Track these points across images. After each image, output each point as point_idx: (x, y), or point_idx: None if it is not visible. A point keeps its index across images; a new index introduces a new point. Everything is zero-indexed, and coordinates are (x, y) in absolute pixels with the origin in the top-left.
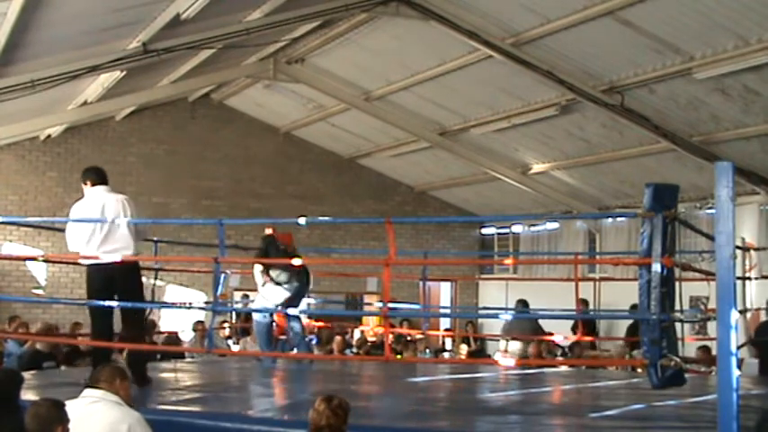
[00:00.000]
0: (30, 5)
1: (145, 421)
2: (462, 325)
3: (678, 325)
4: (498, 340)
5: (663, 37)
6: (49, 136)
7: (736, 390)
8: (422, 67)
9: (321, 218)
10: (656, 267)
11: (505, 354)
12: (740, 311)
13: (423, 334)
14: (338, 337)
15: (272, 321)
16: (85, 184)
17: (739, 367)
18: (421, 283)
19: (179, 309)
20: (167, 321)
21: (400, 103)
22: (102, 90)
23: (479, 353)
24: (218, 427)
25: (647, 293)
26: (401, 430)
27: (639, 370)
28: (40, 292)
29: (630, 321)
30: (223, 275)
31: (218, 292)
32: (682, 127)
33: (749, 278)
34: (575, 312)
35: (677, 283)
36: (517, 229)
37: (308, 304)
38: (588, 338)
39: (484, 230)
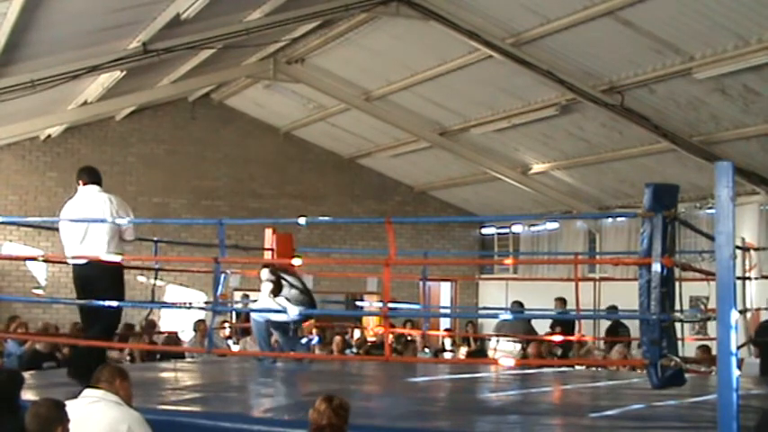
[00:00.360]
0: (30, 5)
1: (145, 421)
2: (462, 325)
3: (678, 325)
4: (498, 340)
5: (663, 37)
6: (49, 136)
7: (736, 390)
8: (422, 67)
9: (321, 218)
10: (656, 267)
11: (496, 352)
12: (740, 311)
13: (423, 334)
14: (338, 337)
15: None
16: (78, 183)
17: (739, 367)
18: (421, 283)
19: (179, 309)
20: (167, 321)
21: (400, 103)
22: (102, 90)
23: (479, 353)
24: (218, 427)
25: (647, 293)
26: (401, 430)
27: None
28: (40, 292)
29: (611, 322)
30: (223, 275)
31: (218, 292)
32: (682, 127)
33: (749, 278)
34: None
35: (677, 283)
36: (517, 229)
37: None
38: (588, 338)
39: (484, 230)
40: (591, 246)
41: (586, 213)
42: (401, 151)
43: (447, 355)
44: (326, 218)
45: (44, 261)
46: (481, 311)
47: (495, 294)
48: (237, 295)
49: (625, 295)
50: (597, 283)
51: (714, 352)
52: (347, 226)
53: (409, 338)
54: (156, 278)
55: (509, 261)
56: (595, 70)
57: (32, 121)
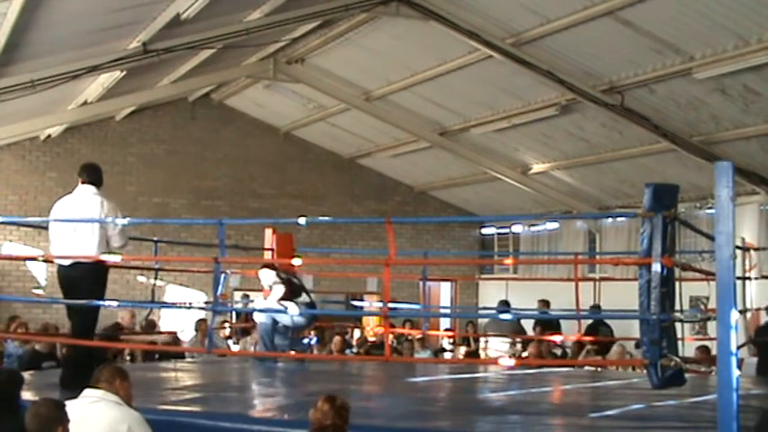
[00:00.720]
0: (30, 5)
1: (145, 421)
2: (462, 325)
3: (678, 325)
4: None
5: (663, 37)
6: (49, 136)
7: (736, 390)
8: (422, 67)
9: (321, 218)
10: (656, 267)
11: (486, 351)
12: (740, 311)
13: (423, 334)
14: (337, 337)
15: (276, 322)
16: (78, 180)
17: (739, 367)
18: (421, 283)
19: (179, 309)
20: (167, 321)
21: (400, 103)
22: (102, 90)
23: (476, 353)
24: (218, 427)
25: (647, 293)
26: (401, 430)
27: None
28: (40, 292)
29: (590, 321)
30: (223, 275)
31: (218, 292)
32: (682, 127)
33: (749, 278)
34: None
35: (677, 283)
36: (517, 229)
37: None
38: (588, 338)
39: (484, 230)
40: (591, 246)
41: (586, 213)
42: (401, 151)
43: (446, 355)
44: (326, 218)
45: (44, 261)
46: (481, 311)
47: (495, 294)
48: (237, 295)
49: (625, 295)
50: (597, 283)
51: (714, 352)
52: (347, 226)
53: (409, 338)
54: (156, 278)
55: (509, 261)
56: (595, 70)
57: (32, 121)
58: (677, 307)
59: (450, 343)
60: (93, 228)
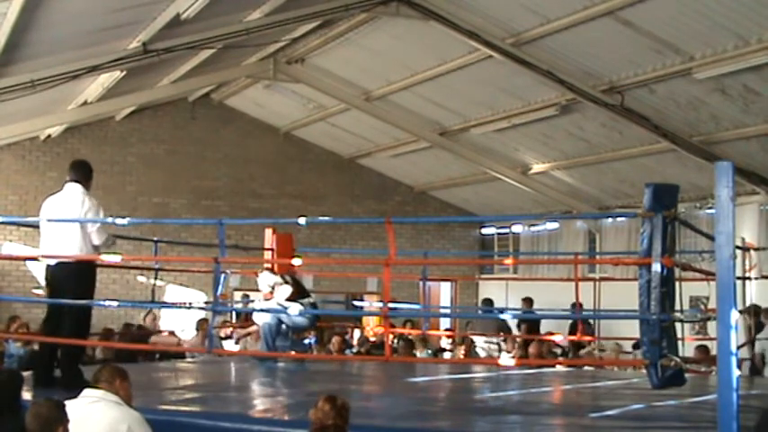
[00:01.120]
0: (30, 5)
1: (145, 421)
2: (462, 325)
3: (678, 325)
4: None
5: (663, 37)
6: (49, 136)
7: (737, 390)
8: (422, 67)
9: (321, 218)
10: (656, 267)
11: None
12: (740, 311)
13: (423, 334)
14: (337, 338)
15: (281, 322)
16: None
17: (739, 367)
18: (421, 283)
19: (179, 309)
20: (167, 321)
21: (400, 103)
22: (102, 90)
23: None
24: (218, 427)
25: (647, 293)
26: (401, 430)
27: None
28: (40, 291)
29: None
30: (223, 275)
31: (218, 292)
32: (682, 127)
33: (749, 278)
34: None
35: (677, 283)
36: (517, 229)
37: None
38: (588, 338)
39: (484, 230)
40: (591, 246)
41: (586, 213)
42: (401, 151)
43: (446, 355)
44: (326, 218)
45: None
46: (481, 311)
47: (495, 294)
48: (237, 295)
49: (625, 295)
50: (597, 283)
51: (714, 352)
52: (347, 226)
53: (408, 337)
54: (156, 278)
55: (509, 261)
56: (595, 70)
57: (32, 121)
58: (677, 307)
59: (449, 343)
60: (75, 226)
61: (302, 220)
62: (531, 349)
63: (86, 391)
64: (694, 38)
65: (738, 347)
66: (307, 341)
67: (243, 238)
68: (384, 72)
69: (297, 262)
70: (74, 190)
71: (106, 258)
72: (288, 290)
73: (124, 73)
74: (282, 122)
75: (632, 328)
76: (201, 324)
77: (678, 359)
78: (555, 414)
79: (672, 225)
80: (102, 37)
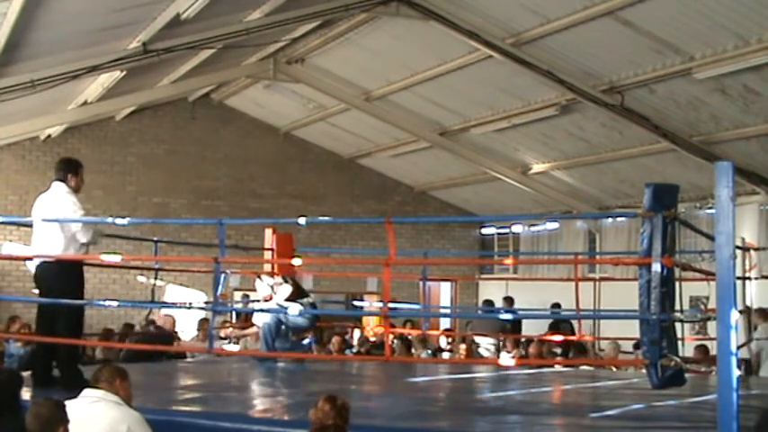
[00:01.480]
0: (30, 5)
1: (145, 421)
2: (462, 325)
3: (678, 325)
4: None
5: (663, 37)
6: (49, 136)
7: (737, 390)
8: (422, 67)
9: (321, 218)
10: (656, 267)
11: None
12: (740, 311)
13: (422, 334)
14: (337, 338)
15: (281, 322)
16: None
17: (739, 367)
18: (421, 283)
19: (179, 309)
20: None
21: (400, 103)
22: (102, 90)
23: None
24: (218, 427)
25: (647, 293)
26: (401, 430)
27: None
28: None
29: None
30: (223, 275)
31: (218, 292)
32: (682, 127)
33: (749, 278)
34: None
35: (677, 283)
36: (517, 229)
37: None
38: (588, 338)
39: (484, 230)
40: (591, 246)
41: (586, 213)
42: (401, 151)
43: (445, 355)
44: (326, 218)
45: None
46: (481, 311)
47: (495, 294)
48: (237, 295)
49: (625, 295)
50: (597, 283)
51: (713, 352)
52: (347, 226)
53: (408, 337)
54: (156, 278)
55: (509, 261)
56: (595, 70)
57: (32, 121)
58: (677, 307)
59: (447, 342)
60: (57, 225)
61: (302, 220)
62: (531, 349)
63: (86, 392)
64: (694, 38)
65: (738, 347)
66: (306, 341)
67: (243, 238)
68: (384, 72)
69: (297, 262)
70: (56, 189)
71: (106, 258)
72: (288, 289)
73: (124, 73)
74: (282, 122)
75: (632, 328)
76: (202, 324)
77: (678, 359)
78: (555, 414)
79: (672, 225)
80: (102, 37)
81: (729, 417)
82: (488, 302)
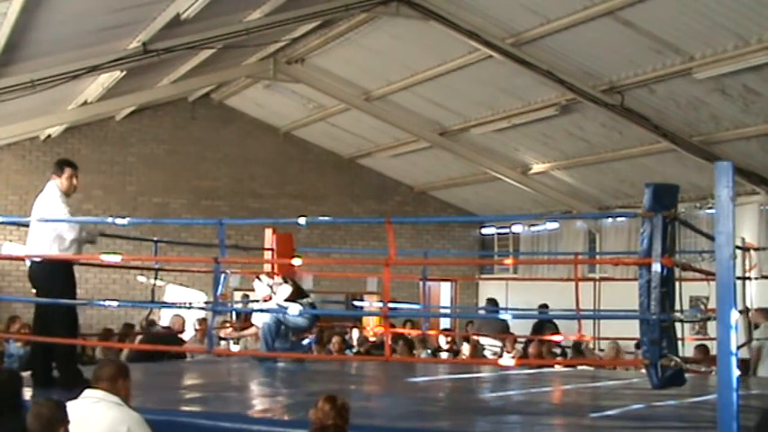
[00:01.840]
0: (30, 5)
1: (145, 422)
2: (462, 325)
3: (678, 325)
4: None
5: (663, 37)
6: (49, 136)
7: (737, 390)
8: (422, 67)
9: (321, 218)
10: (656, 267)
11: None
12: (740, 311)
13: (422, 334)
14: (337, 337)
15: (280, 322)
16: None
17: (739, 367)
18: (421, 283)
19: (179, 309)
20: (167, 321)
21: (400, 103)
22: (102, 90)
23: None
24: (218, 427)
25: (647, 293)
26: (401, 430)
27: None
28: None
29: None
30: (223, 275)
31: (218, 292)
32: (682, 127)
33: (749, 278)
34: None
35: (677, 283)
36: (517, 229)
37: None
38: (589, 338)
39: (484, 230)
40: (591, 246)
41: (586, 213)
42: (401, 151)
43: (444, 355)
44: (326, 218)
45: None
46: (481, 311)
47: (495, 294)
48: (237, 295)
49: (625, 295)
50: (597, 283)
51: (713, 352)
52: (347, 226)
53: (408, 337)
54: (156, 278)
55: (509, 261)
56: (595, 70)
57: (32, 121)
58: (677, 307)
59: (446, 342)
60: (43, 224)
61: (302, 220)
62: (531, 349)
63: (87, 392)
64: (694, 38)
65: (738, 347)
66: (306, 341)
67: (243, 238)
68: (384, 72)
69: (297, 262)
70: (46, 189)
71: (106, 258)
72: (287, 290)
73: (124, 73)
74: (282, 122)
75: (632, 328)
76: (200, 323)
77: (678, 359)
78: (555, 414)
79: (672, 225)
80: (102, 37)
81: (729, 417)
82: (492, 302)
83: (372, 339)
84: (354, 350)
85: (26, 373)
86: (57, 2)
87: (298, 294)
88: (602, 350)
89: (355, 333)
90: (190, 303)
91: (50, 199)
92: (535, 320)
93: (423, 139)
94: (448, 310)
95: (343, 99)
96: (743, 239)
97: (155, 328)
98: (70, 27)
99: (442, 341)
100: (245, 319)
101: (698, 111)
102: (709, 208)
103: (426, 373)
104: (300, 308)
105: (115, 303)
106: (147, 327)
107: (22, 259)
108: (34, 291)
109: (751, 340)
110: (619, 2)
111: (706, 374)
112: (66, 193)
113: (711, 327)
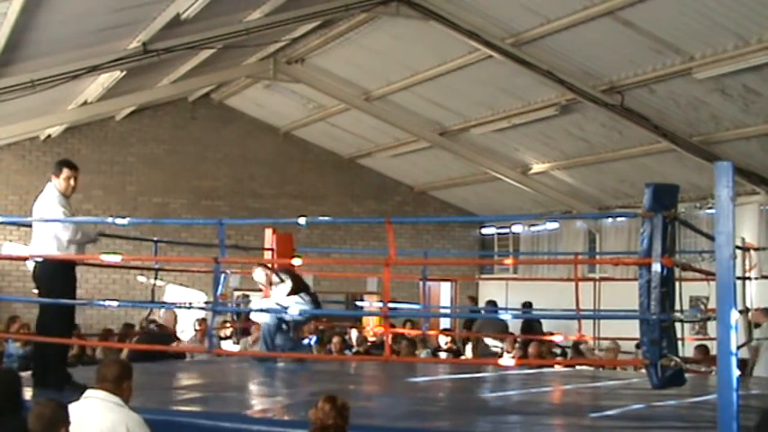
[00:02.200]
0: (30, 5)
1: (145, 423)
2: (462, 325)
3: (678, 325)
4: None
5: (663, 37)
6: (49, 136)
7: (737, 390)
8: (422, 67)
9: (321, 218)
10: (656, 267)
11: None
12: (740, 311)
13: (422, 334)
14: (337, 337)
15: (281, 322)
16: None
17: (739, 367)
18: (421, 283)
19: (179, 309)
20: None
21: (400, 103)
22: (102, 90)
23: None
24: (218, 427)
25: (647, 293)
26: (401, 430)
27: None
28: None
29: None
30: (223, 275)
31: (218, 292)
32: (682, 127)
33: (749, 278)
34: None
35: (677, 283)
36: (517, 229)
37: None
38: (589, 338)
39: (484, 230)
40: (591, 246)
41: (586, 213)
42: (401, 151)
43: (443, 355)
44: (326, 218)
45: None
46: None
47: (495, 294)
48: (237, 295)
49: (625, 295)
50: (597, 283)
51: (713, 352)
52: (347, 226)
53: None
54: (156, 278)
55: (509, 261)
56: (595, 70)
57: (32, 121)
58: (677, 307)
59: (446, 342)
60: (42, 224)
61: (302, 220)
62: (531, 349)
63: (89, 392)
64: (694, 38)
65: (738, 347)
66: (306, 341)
67: (243, 238)
68: (384, 72)
69: (297, 262)
70: (46, 189)
71: (106, 258)
72: (286, 288)
73: (124, 73)
74: (282, 122)
75: (632, 328)
76: (200, 323)
77: (678, 359)
78: (555, 414)
79: (672, 225)
80: (102, 37)
81: (729, 417)
82: (492, 304)
83: (372, 339)
84: (354, 350)
85: (26, 374)
86: (57, 2)
87: (297, 288)
88: (602, 350)
89: (354, 333)
90: (190, 303)
91: (48, 200)
92: (522, 321)
93: (423, 139)
94: (448, 310)
95: (343, 99)
96: (743, 239)
97: (149, 327)
98: (70, 27)
99: (442, 341)
100: (245, 318)
101: (698, 111)
102: (709, 208)
103: (426, 373)
104: (301, 308)
105: (115, 303)
106: (146, 326)
107: (22, 259)
108: (36, 291)
109: (751, 340)
110: (619, 2)
111: (706, 374)
112: (64, 194)
113: (711, 327)
